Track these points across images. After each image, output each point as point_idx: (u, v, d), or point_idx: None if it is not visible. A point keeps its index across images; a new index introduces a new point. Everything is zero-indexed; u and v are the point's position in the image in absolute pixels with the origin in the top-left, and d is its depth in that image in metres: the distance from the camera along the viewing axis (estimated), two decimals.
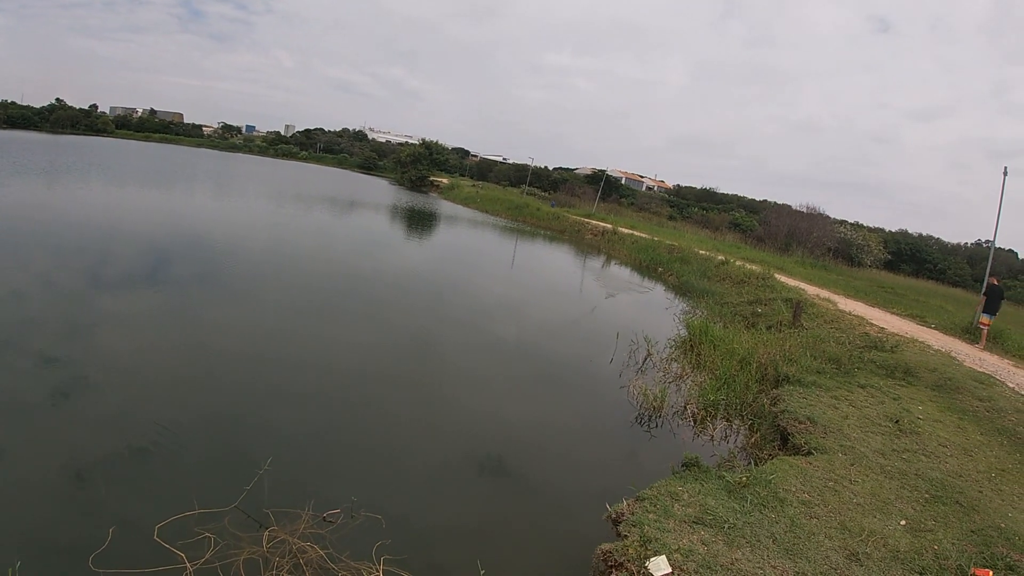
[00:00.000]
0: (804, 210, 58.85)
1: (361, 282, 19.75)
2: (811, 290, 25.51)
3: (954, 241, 69.72)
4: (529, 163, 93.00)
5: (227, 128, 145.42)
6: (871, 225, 68.61)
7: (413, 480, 7.92)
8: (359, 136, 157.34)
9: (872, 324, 18.24)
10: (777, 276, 28.21)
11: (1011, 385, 12.92)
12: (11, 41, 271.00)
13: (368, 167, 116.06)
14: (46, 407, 8.12)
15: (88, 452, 7.17)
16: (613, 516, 6.64)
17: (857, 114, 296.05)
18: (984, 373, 13.51)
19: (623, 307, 22.58)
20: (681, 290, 27.76)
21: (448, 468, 8.38)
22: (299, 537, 6.03)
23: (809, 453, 8.73)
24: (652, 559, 5.48)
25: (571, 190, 78.16)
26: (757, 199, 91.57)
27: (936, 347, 15.91)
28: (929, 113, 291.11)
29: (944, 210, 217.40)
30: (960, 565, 6.04)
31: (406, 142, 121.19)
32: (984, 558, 6.23)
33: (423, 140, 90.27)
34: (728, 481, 7.28)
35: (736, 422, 11.02)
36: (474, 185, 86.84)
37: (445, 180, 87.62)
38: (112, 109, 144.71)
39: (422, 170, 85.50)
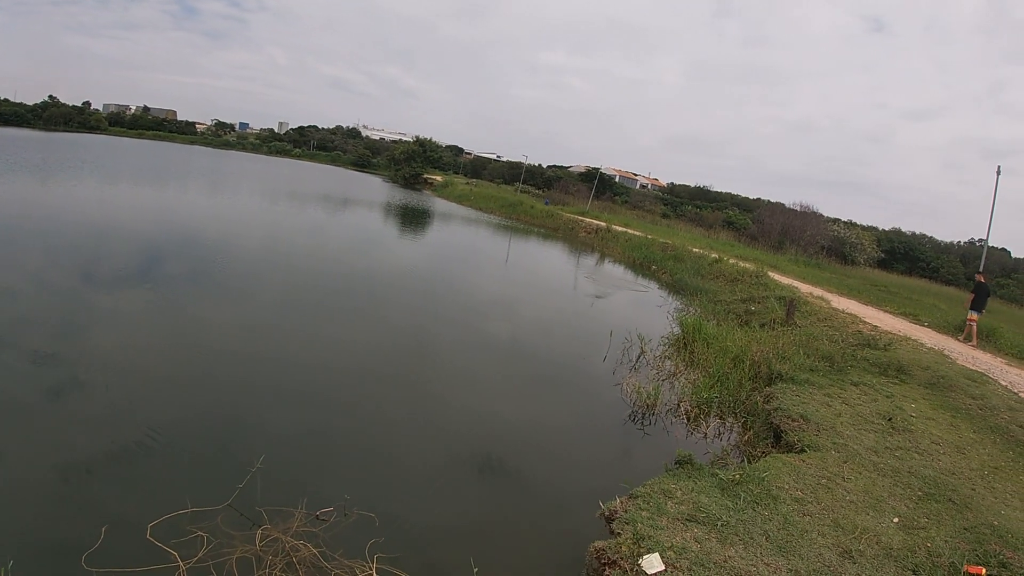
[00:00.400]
0: (798, 208, 58.87)
1: (354, 280, 19.71)
2: (804, 288, 25.57)
3: (947, 240, 70.05)
4: (523, 161, 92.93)
5: (220, 125, 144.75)
6: (865, 223, 68.66)
7: (406, 478, 7.90)
8: (353, 133, 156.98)
9: (865, 322, 18.29)
10: (770, 274, 28.26)
11: (1004, 383, 12.99)
12: (4, 38, 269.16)
13: (362, 164, 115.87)
14: (38, 405, 8.07)
15: (81, 451, 7.12)
16: (606, 514, 6.63)
17: (852, 114, 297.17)
18: (977, 371, 13.57)
19: (617, 305, 22.59)
20: (674, 288, 27.80)
21: (442, 466, 8.35)
22: (292, 535, 6.00)
23: (802, 451, 8.76)
24: (645, 557, 5.47)
25: (565, 188, 77.96)
26: (751, 197, 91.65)
27: (929, 345, 15.97)
28: (924, 113, 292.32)
29: (938, 209, 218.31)
30: (953, 563, 6.05)
31: (400, 139, 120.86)
32: (977, 555, 6.25)
33: (417, 137, 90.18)
34: (721, 479, 7.28)
35: (729, 420, 11.03)
36: (468, 183, 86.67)
37: (439, 178, 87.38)
38: (105, 106, 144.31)
39: (416, 168, 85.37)
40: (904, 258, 58.50)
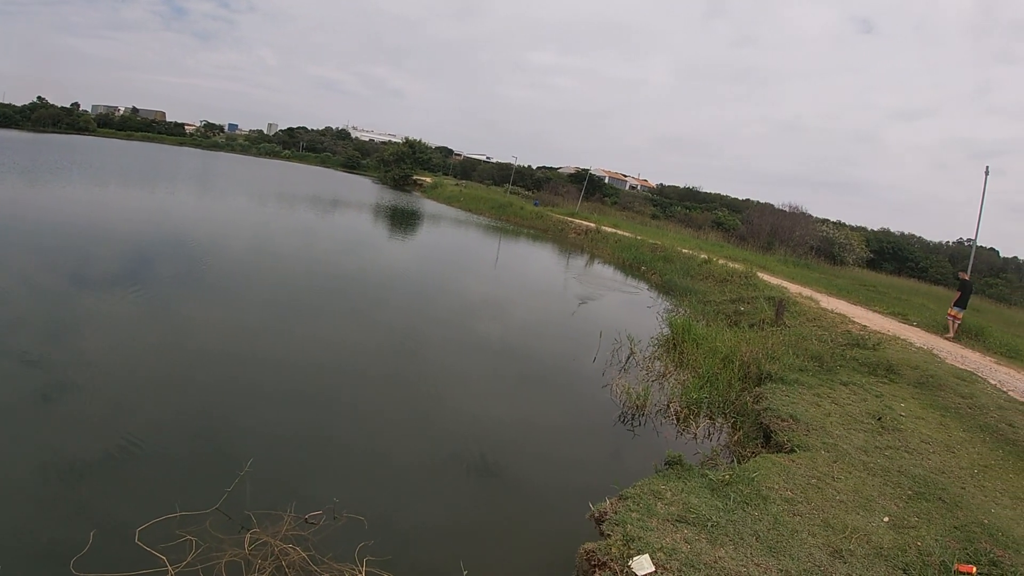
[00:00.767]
0: (787, 209, 59.13)
1: (343, 281, 19.62)
2: (793, 288, 25.65)
3: (936, 240, 70.72)
4: (513, 162, 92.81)
5: (209, 127, 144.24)
6: (853, 224, 68.99)
7: (396, 481, 7.86)
8: (342, 135, 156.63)
9: (854, 322, 18.37)
10: (760, 274, 28.36)
11: (993, 382, 13.06)
12: None
13: (351, 166, 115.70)
14: (25, 409, 7.98)
15: (69, 454, 7.04)
16: (596, 515, 6.61)
17: (841, 114, 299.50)
18: (966, 370, 13.65)
19: (606, 306, 22.59)
20: (664, 289, 27.84)
21: (431, 468, 8.32)
22: (281, 539, 5.96)
23: (792, 451, 8.78)
24: (635, 558, 5.46)
25: (554, 189, 78.12)
26: (740, 198, 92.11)
27: (918, 344, 16.06)
28: (913, 113, 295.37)
29: (926, 209, 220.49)
30: (943, 561, 6.08)
31: (389, 141, 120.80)
32: (967, 554, 6.28)
33: (406, 139, 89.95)
34: (711, 479, 7.29)
35: (719, 420, 11.04)
36: (457, 184, 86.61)
37: (428, 179, 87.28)
38: (94, 107, 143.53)
39: (405, 169, 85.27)
40: (893, 258, 58.81)
